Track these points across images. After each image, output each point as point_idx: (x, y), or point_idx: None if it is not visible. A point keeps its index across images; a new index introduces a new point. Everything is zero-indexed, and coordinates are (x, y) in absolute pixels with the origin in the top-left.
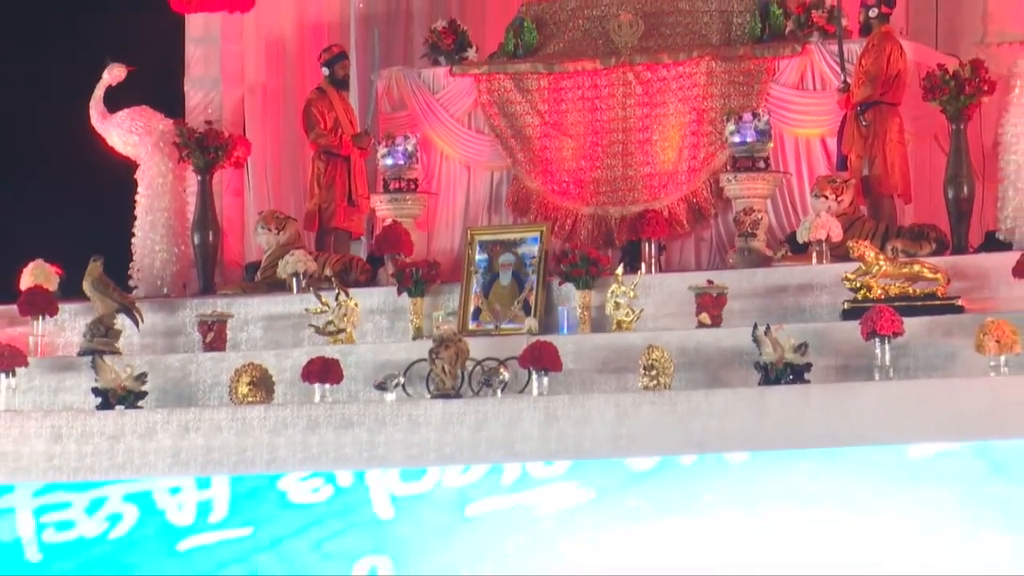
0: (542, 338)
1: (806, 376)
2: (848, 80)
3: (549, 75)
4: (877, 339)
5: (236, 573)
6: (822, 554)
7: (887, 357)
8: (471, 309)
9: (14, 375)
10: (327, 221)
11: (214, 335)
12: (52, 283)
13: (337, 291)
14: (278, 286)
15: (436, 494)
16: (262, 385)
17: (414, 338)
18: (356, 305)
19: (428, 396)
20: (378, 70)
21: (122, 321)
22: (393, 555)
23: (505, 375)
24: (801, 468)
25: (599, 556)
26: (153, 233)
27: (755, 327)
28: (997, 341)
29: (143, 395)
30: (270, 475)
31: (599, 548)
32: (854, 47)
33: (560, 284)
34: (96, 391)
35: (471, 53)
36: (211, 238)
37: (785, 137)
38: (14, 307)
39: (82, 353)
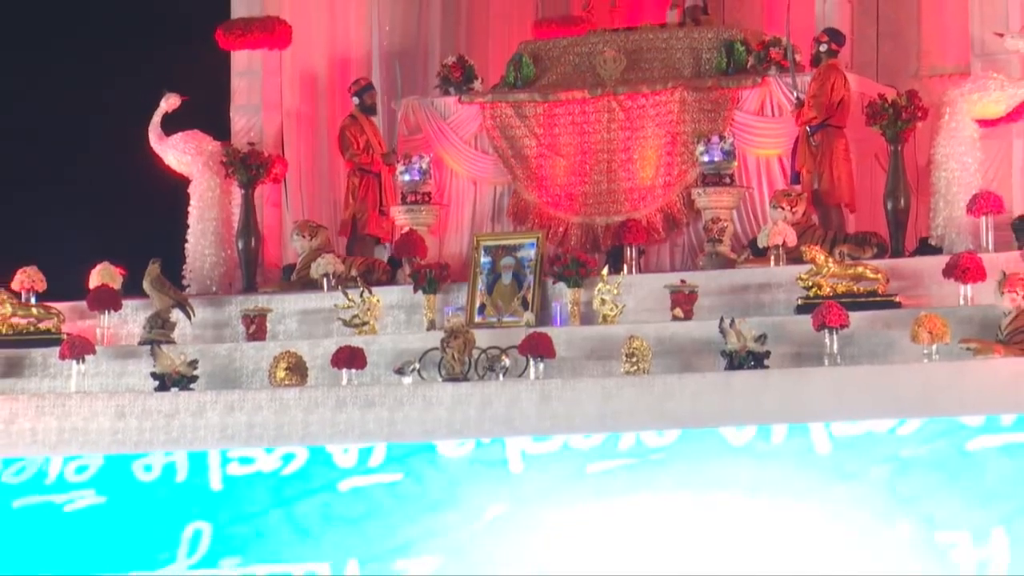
0: (538, 330)
1: (765, 362)
2: (801, 97)
3: (544, 103)
4: (826, 330)
5: (385, 509)
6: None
7: (835, 346)
8: (477, 305)
9: (84, 361)
10: (361, 229)
11: (256, 327)
12: (116, 282)
13: (362, 289)
14: (311, 285)
15: (562, 454)
16: (297, 370)
17: (428, 329)
18: (378, 301)
19: (440, 379)
20: (399, 99)
21: (177, 315)
22: (519, 503)
23: (506, 361)
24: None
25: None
26: (203, 239)
27: (721, 320)
28: (929, 332)
29: (195, 379)
30: None
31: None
32: (806, 79)
33: (554, 283)
34: (154, 375)
35: (477, 84)
36: (253, 243)
37: (747, 156)
38: (84, 303)
39: (142, 343)
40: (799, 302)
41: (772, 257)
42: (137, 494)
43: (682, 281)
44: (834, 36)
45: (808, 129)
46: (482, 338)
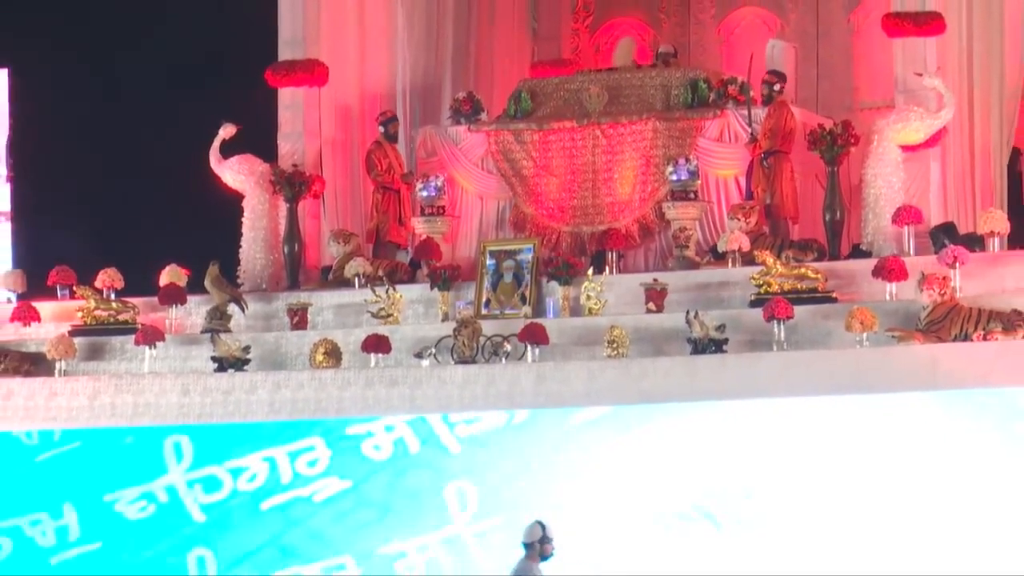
0: (534, 321)
1: (724, 348)
2: (755, 134)
3: (540, 131)
4: (775, 321)
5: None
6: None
7: (782, 334)
8: (483, 300)
9: (155, 347)
10: (383, 236)
11: (299, 318)
12: (182, 281)
13: (387, 287)
14: (345, 283)
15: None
16: (333, 354)
17: (442, 320)
18: (400, 297)
19: (452, 362)
20: (417, 128)
21: (233, 308)
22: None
23: (508, 347)
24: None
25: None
26: (255, 245)
27: (687, 312)
28: (861, 323)
29: (248, 362)
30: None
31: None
32: (759, 112)
33: (547, 281)
34: (214, 359)
35: (483, 116)
36: (296, 249)
37: (709, 176)
38: (155, 298)
39: (204, 331)
40: (752, 297)
41: (730, 260)
42: (379, 471)
43: (655, 280)
44: (779, 77)
45: (762, 155)
46: (488, 327)
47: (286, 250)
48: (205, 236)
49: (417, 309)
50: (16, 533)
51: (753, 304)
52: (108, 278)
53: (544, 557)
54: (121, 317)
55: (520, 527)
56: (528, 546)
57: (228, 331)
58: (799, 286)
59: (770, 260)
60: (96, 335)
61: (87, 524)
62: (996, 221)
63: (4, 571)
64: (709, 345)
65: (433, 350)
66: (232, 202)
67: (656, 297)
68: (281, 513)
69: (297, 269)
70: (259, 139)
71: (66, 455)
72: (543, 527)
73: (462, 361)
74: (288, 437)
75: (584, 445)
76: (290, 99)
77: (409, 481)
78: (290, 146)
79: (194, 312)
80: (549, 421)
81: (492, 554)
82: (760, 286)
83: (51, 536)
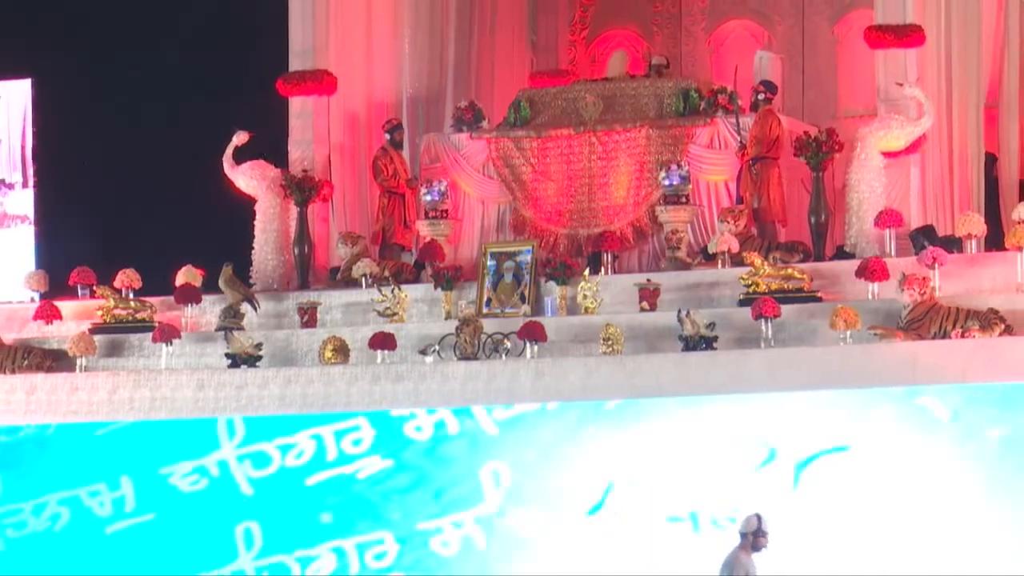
0: (533, 319)
1: (714, 345)
2: (743, 141)
3: (538, 139)
4: (763, 319)
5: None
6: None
7: (770, 332)
8: (484, 299)
9: (171, 344)
10: (389, 238)
11: (308, 316)
12: (197, 281)
13: (393, 286)
14: (352, 283)
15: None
16: (341, 351)
17: (445, 319)
18: (406, 296)
19: (455, 359)
20: (421, 135)
21: (246, 307)
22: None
23: (508, 344)
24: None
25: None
26: (267, 247)
27: (679, 311)
28: (844, 321)
29: (260, 358)
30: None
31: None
32: (747, 120)
33: (546, 281)
34: (228, 355)
35: (484, 124)
36: (306, 250)
37: (700, 181)
38: (171, 298)
39: (218, 329)
40: (741, 297)
41: (719, 261)
42: (420, 451)
43: (648, 280)
44: (769, 87)
45: (750, 161)
46: (488, 325)
47: (296, 251)
48: (219, 238)
49: (421, 308)
50: (75, 503)
51: (742, 303)
52: (127, 278)
53: (756, 549)
54: (139, 316)
55: (549, 509)
56: (743, 536)
57: (241, 329)
58: (786, 286)
59: (758, 261)
60: (115, 333)
61: (142, 496)
62: (973, 224)
63: (61, 539)
64: (700, 342)
65: (437, 347)
66: (245, 206)
67: (649, 296)
68: (325, 489)
69: (307, 270)
70: (271, 146)
71: (124, 429)
72: (760, 520)
73: (464, 357)
74: (335, 417)
75: (617, 431)
76: (300, 108)
77: (447, 461)
78: (300, 152)
79: (209, 311)
80: (583, 407)
81: (525, 532)
82: (748, 286)
83: (108, 507)
